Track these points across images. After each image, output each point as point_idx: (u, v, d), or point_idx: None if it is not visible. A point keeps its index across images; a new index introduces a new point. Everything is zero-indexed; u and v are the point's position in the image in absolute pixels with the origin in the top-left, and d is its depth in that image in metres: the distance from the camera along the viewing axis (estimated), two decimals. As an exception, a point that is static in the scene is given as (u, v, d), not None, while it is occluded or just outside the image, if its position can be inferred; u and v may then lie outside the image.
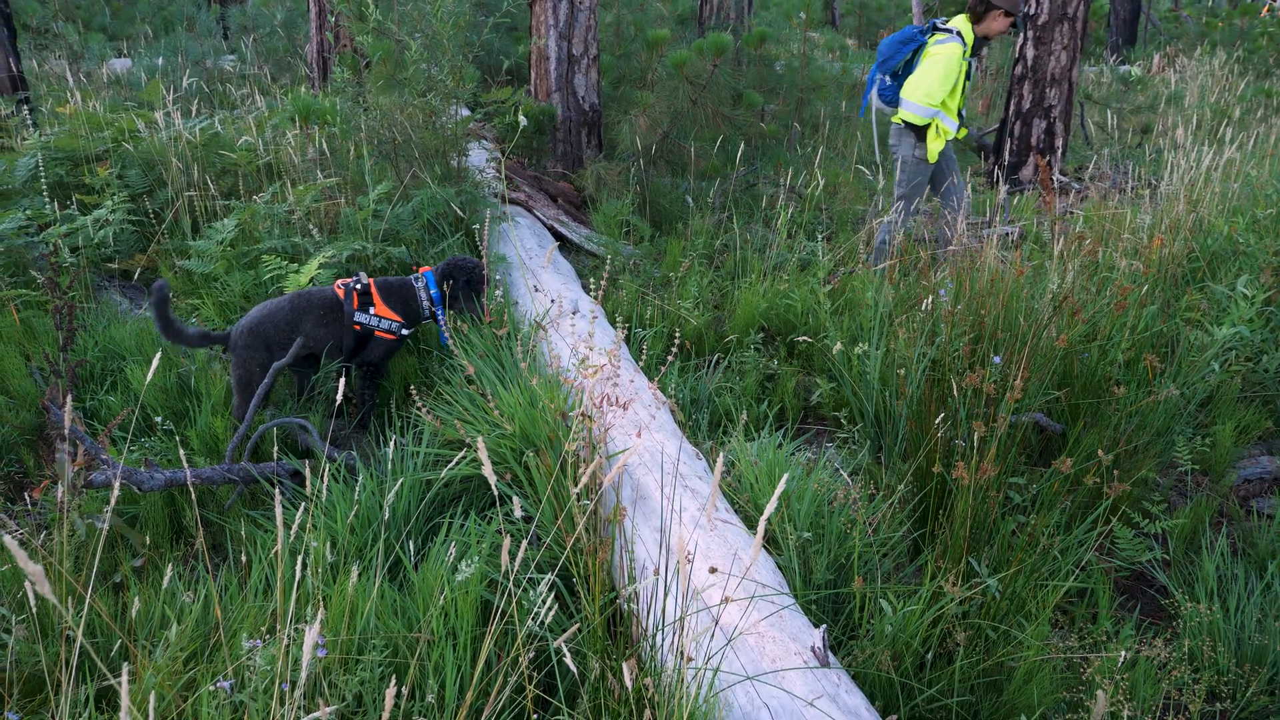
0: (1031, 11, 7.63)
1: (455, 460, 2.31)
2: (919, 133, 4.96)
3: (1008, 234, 6.45)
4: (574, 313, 3.99)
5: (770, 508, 1.36)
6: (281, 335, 3.29)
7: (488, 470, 1.49)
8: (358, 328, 3.41)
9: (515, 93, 6.30)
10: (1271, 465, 3.72)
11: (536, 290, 4.44)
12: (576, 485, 2.50)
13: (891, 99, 5.04)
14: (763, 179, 6.48)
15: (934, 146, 4.95)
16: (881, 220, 5.02)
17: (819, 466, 2.83)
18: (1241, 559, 3.06)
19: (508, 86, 6.24)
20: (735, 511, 2.75)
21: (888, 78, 5.02)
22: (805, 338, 3.97)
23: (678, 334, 3.01)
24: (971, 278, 3.92)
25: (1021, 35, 7.77)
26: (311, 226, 4.21)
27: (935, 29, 4.90)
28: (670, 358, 2.76)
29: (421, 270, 3.60)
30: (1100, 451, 2.39)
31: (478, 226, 4.54)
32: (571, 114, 6.44)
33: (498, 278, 4.46)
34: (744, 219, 5.82)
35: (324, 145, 4.92)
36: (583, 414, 2.77)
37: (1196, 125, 8.03)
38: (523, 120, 3.47)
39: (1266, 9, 18.19)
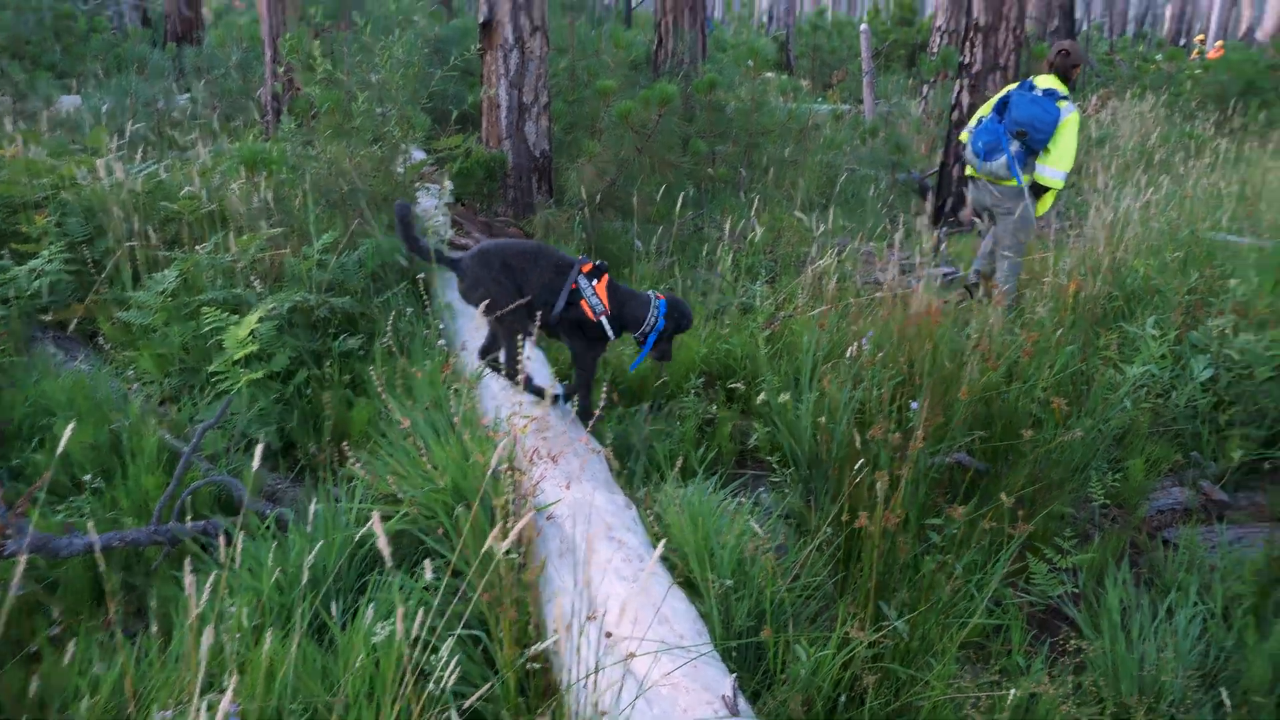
0: (966, 61, 7.92)
1: (392, 518, 2.37)
2: (1037, 193, 5.38)
3: (947, 275, 6.65)
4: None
5: (652, 563, 1.44)
6: (516, 261, 3.52)
7: (383, 544, 1.56)
8: (575, 286, 3.56)
9: (467, 139, 6.41)
10: (1182, 496, 3.89)
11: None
12: (502, 539, 2.56)
13: (1024, 164, 5.33)
14: (709, 223, 6.62)
15: (1048, 203, 5.46)
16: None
17: (743, 513, 2.92)
18: (1148, 589, 3.19)
19: (459, 134, 6.35)
20: (662, 560, 2.83)
21: (1036, 149, 5.27)
22: (738, 384, 4.07)
23: (618, 380, 3.10)
24: (902, 321, 4.07)
25: (958, 82, 8.06)
26: (254, 277, 4.26)
27: (1057, 97, 5.24)
28: (598, 408, 2.84)
29: (659, 296, 3.68)
30: (1002, 495, 2.50)
31: (422, 275, 4.61)
32: (522, 160, 6.55)
33: (442, 326, 4.53)
34: (689, 264, 5.95)
35: (270, 194, 4.97)
36: (510, 468, 2.85)
37: (1123, 167, 8.34)
38: (448, 186, 3.55)
39: (1196, 53, 18.90)
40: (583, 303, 3.57)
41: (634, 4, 20.73)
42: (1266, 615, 3.02)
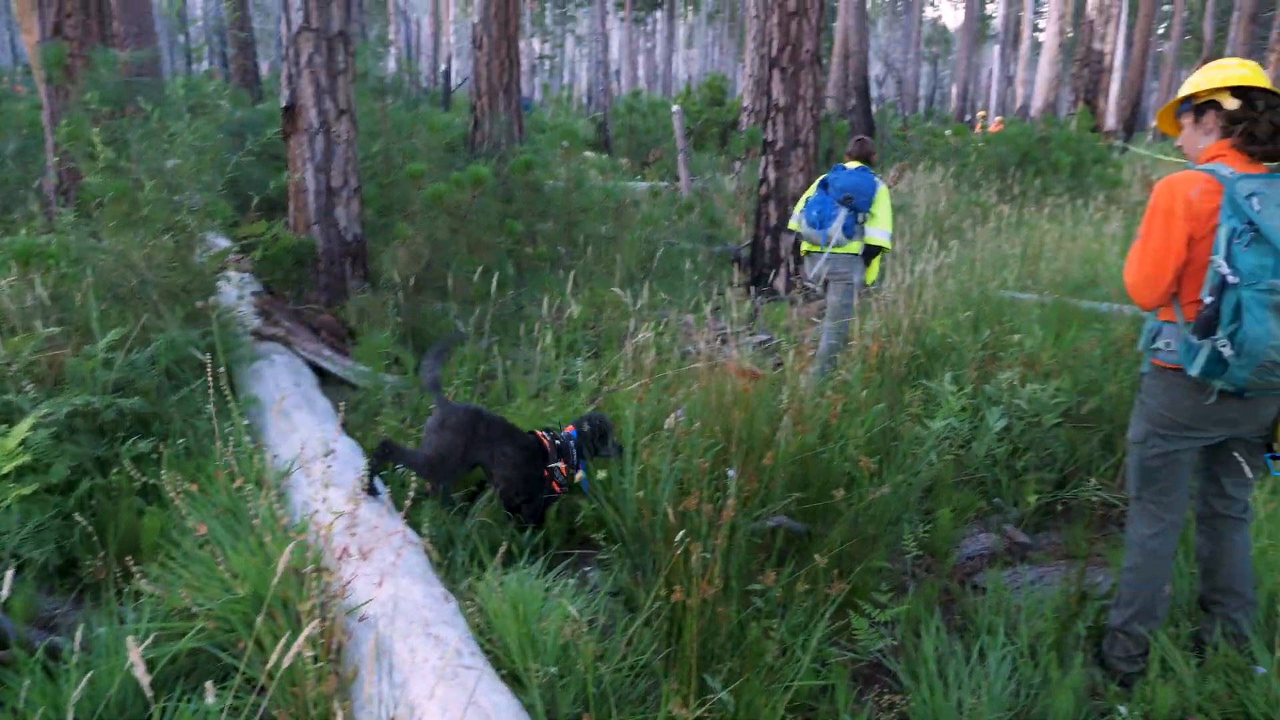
0: (770, 138, 8.39)
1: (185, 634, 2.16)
2: (868, 258, 6.01)
3: (763, 342, 6.90)
4: (326, 454, 3.87)
5: (451, 652, 1.35)
6: (485, 432, 3.86)
7: (141, 674, 1.40)
8: (548, 473, 3.90)
9: (273, 225, 6.18)
10: (988, 541, 4.10)
11: (292, 433, 4.29)
12: (308, 648, 2.38)
13: (851, 233, 5.93)
14: (530, 302, 6.61)
15: (876, 268, 6.12)
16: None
17: (566, 595, 2.85)
18: (961, 635, 3.32)
19: (262, 220, 6.11)
20: (484, 653, 2.70)
21: (860, 216, 5.92)
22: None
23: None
24: (719, 389, 4.15)
25: (764, 158, 8.51)
26: (27, 382, 3.88)
27: (867, 172, 6.02)
28: (408, 499, 2.72)
29: (568, 429, 4.02)
30: (816, 556, 2.55)
31: (223, 369, 4.34)
32: (333, 246, 6.37)
33: (247, 422, 4.27)
34: (512, 343, 5.90)
35: (48, 290, 4.58)
36: (318, 569, 2.67)
37: (919, 234, 8.98)
38: (237, 276, 3.39)
39: (979, 127, 20.82)
40: (554, 485, 3.93)
41: (453, 88, 20.92)
42: (1068, 649, 3.20)
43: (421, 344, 5.89)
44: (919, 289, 6.11)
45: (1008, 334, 5.48)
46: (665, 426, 3.56)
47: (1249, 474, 2.97)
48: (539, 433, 4.00)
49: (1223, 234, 2.57)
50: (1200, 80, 2.86)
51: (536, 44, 50.61)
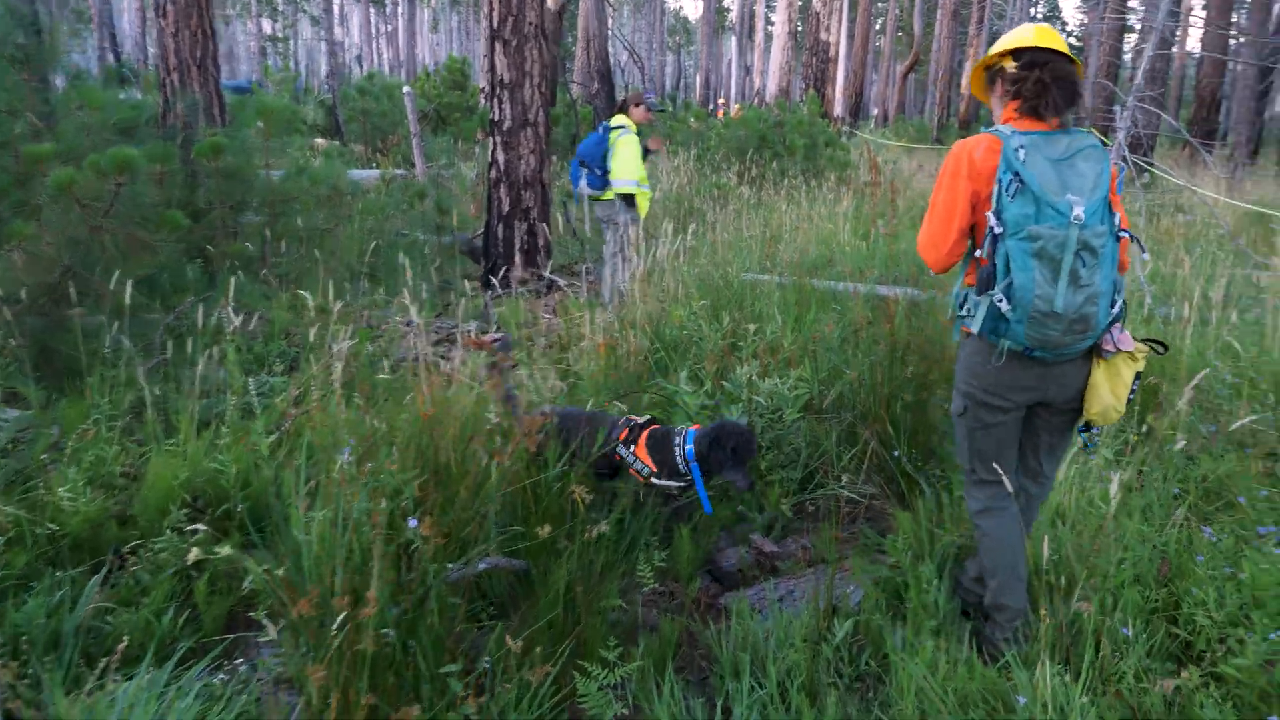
0: (496, 118, 7.72)
1: None
2: (629, 200, 6.83)
3: (495, 341, 6.25)
4: None
5: None
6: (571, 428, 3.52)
7: None
8: (618, 458, 3.57)
9: None
10: (735, 556, 3.67)
11: None
12: None
13: (600, 185, 6.88)
14: (216, 309, 5.58)
15: (644, 205, 6.95)
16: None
17: (191, 703, 2.08)
18: (703, 685, 2.86)
19: None
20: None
21: (597, 171, 6.84)
22: (198, 526, 3.10)
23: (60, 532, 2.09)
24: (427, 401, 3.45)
25: (491, 140, 7.84)
26: None
27: (609, 130, 6.85)
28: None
29: (691, 427, 3.57)
30: (509, 639, 1.94)
31: None
32: (-57, 250, 5.02)
33: None
34: (186, 361, 4.89)
35: None
36: None
37: (658, 216, 8.67)
38: None
39: (720, 114, 21.22)
40: (632, 471, 3.56)
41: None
42: (820, 684, 2.80)
43: (68, 368, 4.75)
44: (657, 275, 5.70)
45: (748, 322, 5.16)
46: (338, 466, 2.82)
47: (1055, 448, 2.93)
48: (618, 420, 3.67)
49: (997, 188, 2.59)
50: (994, 47, 2.88)
51: (266, 24, 46.86)
